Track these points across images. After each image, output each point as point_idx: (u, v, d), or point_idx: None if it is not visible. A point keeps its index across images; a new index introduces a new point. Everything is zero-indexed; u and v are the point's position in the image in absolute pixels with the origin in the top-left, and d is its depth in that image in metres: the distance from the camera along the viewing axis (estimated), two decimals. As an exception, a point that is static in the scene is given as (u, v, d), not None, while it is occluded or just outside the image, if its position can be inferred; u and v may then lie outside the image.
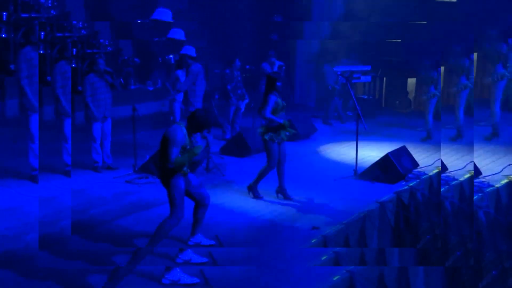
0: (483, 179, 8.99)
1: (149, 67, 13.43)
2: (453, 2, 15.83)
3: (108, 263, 5.80)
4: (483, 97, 13.45)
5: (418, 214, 8.33)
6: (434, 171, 9.14)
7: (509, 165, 9.20)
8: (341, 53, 14.62)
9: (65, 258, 6.05)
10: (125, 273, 5.54)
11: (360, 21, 15.11)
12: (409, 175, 8.97)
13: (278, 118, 7.87)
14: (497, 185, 8.82)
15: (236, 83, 11.79)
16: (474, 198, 8.27)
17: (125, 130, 10.07)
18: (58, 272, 5.69)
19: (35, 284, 5.51)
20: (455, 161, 9.86)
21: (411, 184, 8.57)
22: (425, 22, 15.03)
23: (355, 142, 9.30)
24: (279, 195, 8.16)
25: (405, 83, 16.29)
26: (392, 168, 8.84)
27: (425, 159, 9.87)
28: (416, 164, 9.40)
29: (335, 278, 5.65)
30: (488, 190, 8.65)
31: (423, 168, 9.28)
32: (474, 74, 11.79)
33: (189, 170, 6.05)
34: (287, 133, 7.98)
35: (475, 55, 11.68)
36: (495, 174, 9.09)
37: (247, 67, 13.46)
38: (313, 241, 6.58)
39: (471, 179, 8.86)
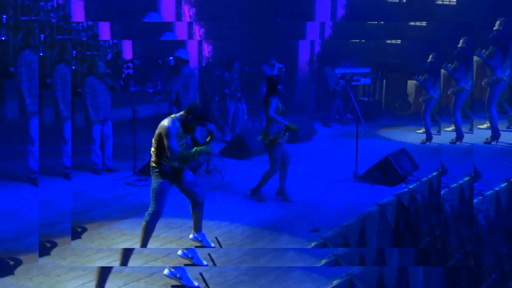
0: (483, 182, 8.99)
1: (149, 69, 13.43)
2: (452, 5, 15.87)
3: (108, 265, 5.79)
4: (483, 100, 13.44)
5: (418, 216, 8.31)
6: (434, 173, 9.14)
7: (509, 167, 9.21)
8: (342, 55, 14.63)
9: (65, 260, 6.04)
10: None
11: (360, 22, 15.14)
12: (409, 177, 8.96)
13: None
14: (497, 188, 8.81)
15: (236, 86, 11.79)
16: (474, 200, 8.26)
17: (125, 132, 10.07)
18: (58, 274, 5.69)
19: (35, 287, 5.50)
20: (455, 163, 9.86)
21: (411, 187, 8.55)
22: (425, 23, 15.07)
23: (355, 144, 9.31)
24: (279, 197, 8.17)
25: (405, 85, 16.30)
26: (392, 170, 8.84)
27: (425, 161, 9.87)
28: (416, 166, 9.40)
29: (334, 282, 5.64)
30: (488, 193, 8.64)
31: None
32: (474, 77, 11.78)
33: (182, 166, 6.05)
34: (287, 133, 7.97)
35: (475, 57, 11.65)
36: (495, 176, 9.09)
37: (247, 69, 13.46)
38: (313, 244, 6.57)
39: (471, 181, 8.85)
